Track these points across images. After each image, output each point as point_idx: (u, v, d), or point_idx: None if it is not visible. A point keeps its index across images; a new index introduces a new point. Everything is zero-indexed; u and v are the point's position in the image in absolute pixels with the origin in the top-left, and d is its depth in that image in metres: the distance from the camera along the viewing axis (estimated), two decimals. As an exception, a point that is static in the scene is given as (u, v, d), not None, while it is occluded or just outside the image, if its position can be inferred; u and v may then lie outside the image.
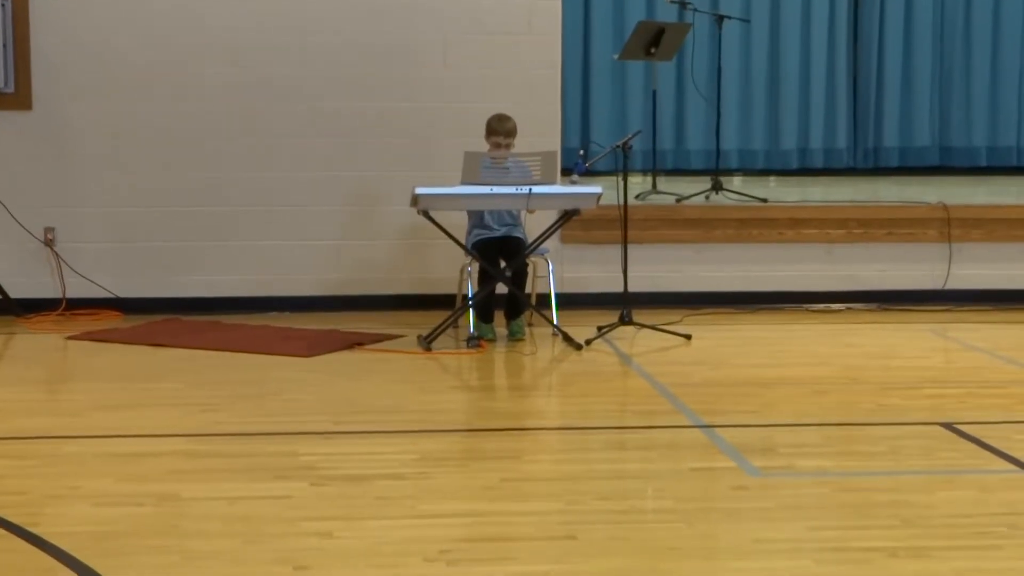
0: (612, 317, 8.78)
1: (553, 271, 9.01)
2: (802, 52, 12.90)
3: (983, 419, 6.67)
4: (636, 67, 12.29)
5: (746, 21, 12.34)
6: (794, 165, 12.93)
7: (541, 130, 9.48)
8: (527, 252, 8.71)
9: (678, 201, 10.15)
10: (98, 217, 9.63)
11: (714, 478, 5.69)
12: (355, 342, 8.55)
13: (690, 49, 11.67)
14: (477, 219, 8.82)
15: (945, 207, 10.02)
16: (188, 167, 9.64)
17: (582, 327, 8.70)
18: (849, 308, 9.84)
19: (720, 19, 10.88)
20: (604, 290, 9.45)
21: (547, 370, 8.17)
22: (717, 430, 6.44)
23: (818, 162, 12.98)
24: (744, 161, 12.91)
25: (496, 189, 8.36)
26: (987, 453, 6.08)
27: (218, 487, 5.52)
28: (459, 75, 9.72)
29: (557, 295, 8.96)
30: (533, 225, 8.93)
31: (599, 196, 8.57)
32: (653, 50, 10.34)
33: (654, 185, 10.72)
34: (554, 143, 9.52)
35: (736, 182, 11.83)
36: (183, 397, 7.15)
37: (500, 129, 8.71)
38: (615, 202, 8.83)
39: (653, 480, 5.72)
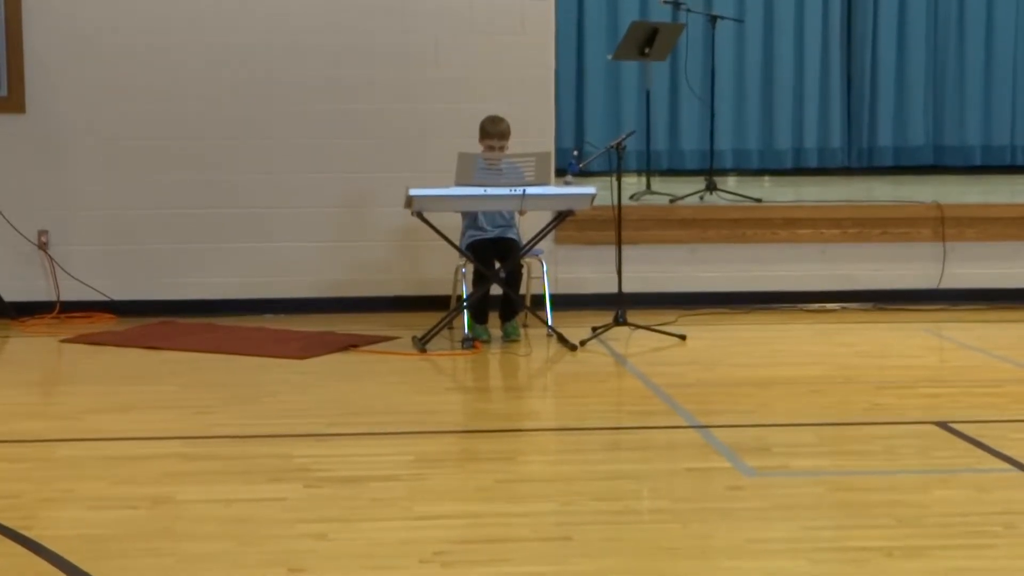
0: (607, 318, 8.78)
1: (547, 272, 9.00)
2: (796, 51, 12.91)
3: (978, 418, 6.67)
4: (630, 67, 12.30)
5: (740, 21, 12.34)
6: (788, 165, 12.94)
7: (535, 131, 9.48)
8: (521, 253, 8.71)
9: (672, 201, 10.15)
10: (92, 220, 9.61)
11: (709, 478, 5.68)
12: (350, 344, 8.54)
13: (684, 49, 11.67)
14: (471, 220, 8.81)
15: (939, 206, 10.02)
16: (182, 169, 9.63)
17: (576, 328, 8.70)
18: (844, 308, 9.84)
19: (714, 19, 10.88)
20: (598, 291, 9.45)
21: (542, 371, 8.17)
22: (712, 430, 6.44)
23: (812, 162, 12.99)
24: (738, 161, 12.91)
25: (490, 190, 8.36)
26: (982, 452, 6.07)
27: (213, 489, 5.51)
28: (452, 76, 9.71)
29: (551, 296, 8.94)
30: (527, 226, 8.92)
31: (593, 197, 8.57)
32: (647, 50, 10.34)
33: (648, 185, 10.72)
34: (548, 144, 9.51)
35: (730, 182, 11.83)
36: (177, 400, 7.13)
37: (493, 131, 8.71)
38: (609, 203, 8.82)
39: (648, 481, 5.71)
